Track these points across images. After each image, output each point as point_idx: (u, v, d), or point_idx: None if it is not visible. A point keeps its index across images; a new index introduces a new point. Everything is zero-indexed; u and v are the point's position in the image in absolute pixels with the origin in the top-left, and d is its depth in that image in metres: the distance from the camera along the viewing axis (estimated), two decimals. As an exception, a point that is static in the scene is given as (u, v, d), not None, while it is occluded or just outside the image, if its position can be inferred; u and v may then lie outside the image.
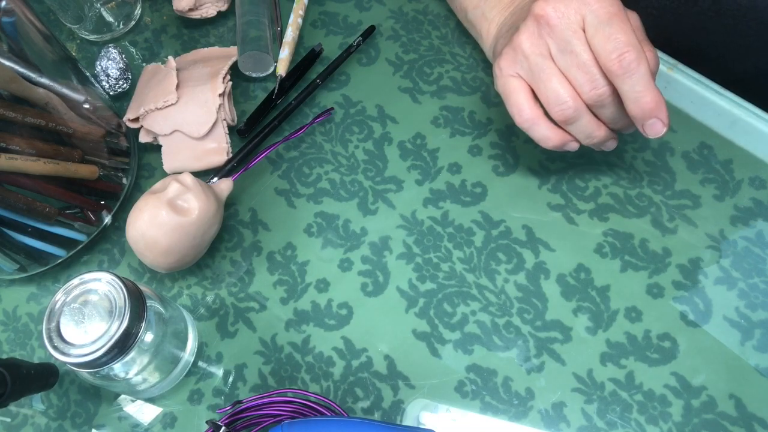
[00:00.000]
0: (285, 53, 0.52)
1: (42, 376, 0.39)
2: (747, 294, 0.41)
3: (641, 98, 0.34)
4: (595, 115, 0.38)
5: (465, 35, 0.53)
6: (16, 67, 0.39)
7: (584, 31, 0.35)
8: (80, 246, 0.46)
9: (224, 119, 0.48)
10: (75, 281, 0.35)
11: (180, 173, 0.42)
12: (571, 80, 0.36)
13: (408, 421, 0.39)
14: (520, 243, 0.44)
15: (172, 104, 0.47)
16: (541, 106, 0.38)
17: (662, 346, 0.40)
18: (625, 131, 0.39)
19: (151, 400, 0.42)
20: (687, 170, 0.45)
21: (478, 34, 0.48)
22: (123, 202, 0.48)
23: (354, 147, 0.49)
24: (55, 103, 0.42)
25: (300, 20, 0.54)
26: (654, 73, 0.35)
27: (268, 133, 0.49)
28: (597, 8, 0.34)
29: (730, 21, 0.47)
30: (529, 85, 0.38)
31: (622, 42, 0.33)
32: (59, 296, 0.35)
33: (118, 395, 0.42)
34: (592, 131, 0.38)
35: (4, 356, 0.40)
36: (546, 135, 0.39)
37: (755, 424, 0.37)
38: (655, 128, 0.35)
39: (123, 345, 0.34)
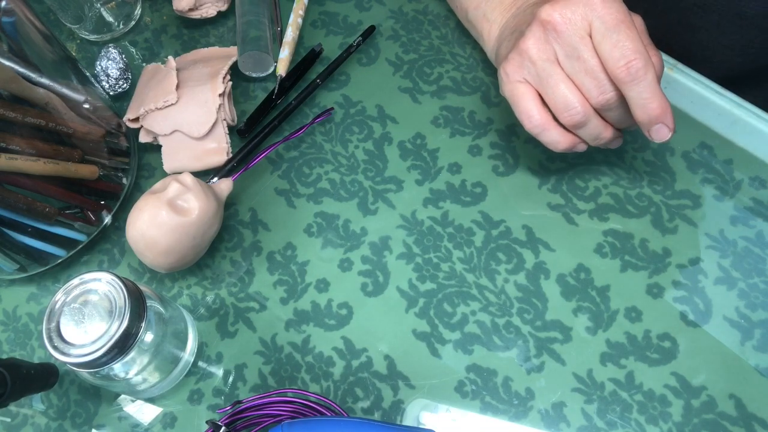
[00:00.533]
0: (285, 53, 0.52)
1: (42, 376, 0.39)
2: (747, 294, 0.41)
3: (648, 104, 0.35)
4: (602, 117, 0.38)
5: (465, 35, 0.53)
6: (16, 67, 0.39)
7: (590, 36, 0.35)
8: (80, 246, 0.46)
9: (224, 119, 0.48)
10: (75, 281, 0.35)
11: (180, 173, 0.42)
12: (578, 85, 0.37)
13: (408, 421, 0.39)
14: (520, 243, 0.44)
15: (172, 104, 0.47)
16: (549, 110, 0.38)
17: (662, 346, 0.40)
18: (631, 128, 0.40)
19: (151, 400, 0.42)
20: (687, 170, 0.45)
21: (479, 35, 0.48)
22: (123, 202, 0.48)
23: (354, 147, 0.49)
24: (55, 103, 0.42)
25: (300, 20, 0.54)
26: (659, 78, 0.35)
27: (268, 133, 0.49)
28: (604, 14, 0.34)
29: (715, 17, 0.46)
30: (537, 90, 0.38)
31: (629, 49, 0.34)
32: (59, 296, 0.35)
33: (118, 395, 0.42)
34: (600, 133, 0.39)
35: (4, 356, 0.40)
36: (556, 139, 0.39)
37: (755, 424, 0.37)
38: (661, 133, 0.36)
39: (123, 345, 0.34)
